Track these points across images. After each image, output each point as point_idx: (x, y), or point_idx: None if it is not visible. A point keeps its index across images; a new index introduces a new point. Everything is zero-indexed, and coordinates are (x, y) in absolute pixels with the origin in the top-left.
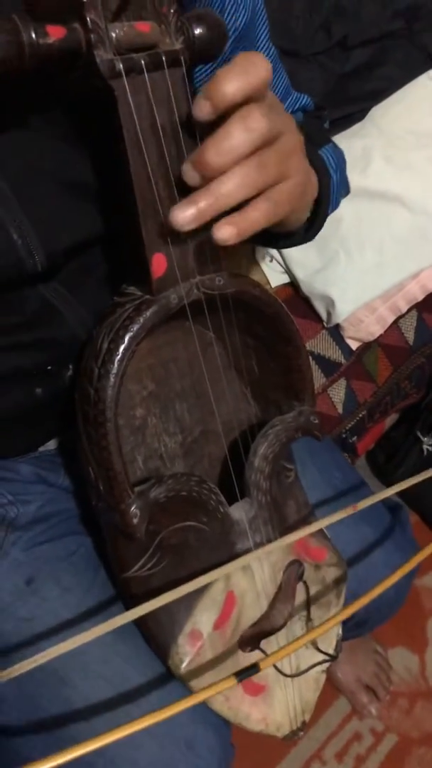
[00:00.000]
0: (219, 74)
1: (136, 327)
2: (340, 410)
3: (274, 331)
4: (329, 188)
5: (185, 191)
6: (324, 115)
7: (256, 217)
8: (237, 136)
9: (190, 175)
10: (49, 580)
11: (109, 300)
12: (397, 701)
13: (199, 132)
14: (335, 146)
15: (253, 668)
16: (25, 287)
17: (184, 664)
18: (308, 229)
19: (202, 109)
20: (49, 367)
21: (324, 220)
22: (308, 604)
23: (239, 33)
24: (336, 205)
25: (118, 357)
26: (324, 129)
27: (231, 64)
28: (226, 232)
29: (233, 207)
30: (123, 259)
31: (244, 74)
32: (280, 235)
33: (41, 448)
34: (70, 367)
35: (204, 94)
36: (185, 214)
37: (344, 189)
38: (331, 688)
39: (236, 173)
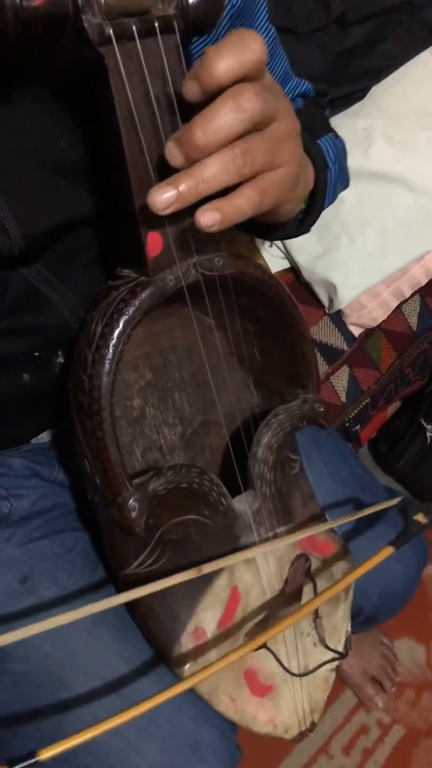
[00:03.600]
0: (208, 52)
1: (131, 310)
2: (343, 398)
3: (277, 316)
4: (326, 180)
5: None
6: (324, 102)
7: (240, 205)
8: (226, 115)
9: (173, 153)
10: (45, 578)
11: (98, 285)
12: (403, 693)
13: (196, 104)
14: (336, 136)
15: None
16: (5, 270)
17: (187, 665)
18: (302, 221)
19: (190, 90)
20: (36, 354)
21: (319, 213)
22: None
23: (237, 10)
24: (333, 199)
25: (113, 341)
26: (325, 117)
27: (222, 42)
28: (209, 218)
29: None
30: (113, 242)
31: (235, 54)
32: (271, 226)
33: (34, 441)
34: (60, 353)
35: (192, 73)
36: (164, 197)
37: (342, 181)
38: (337, 680)
39: (220, 157)
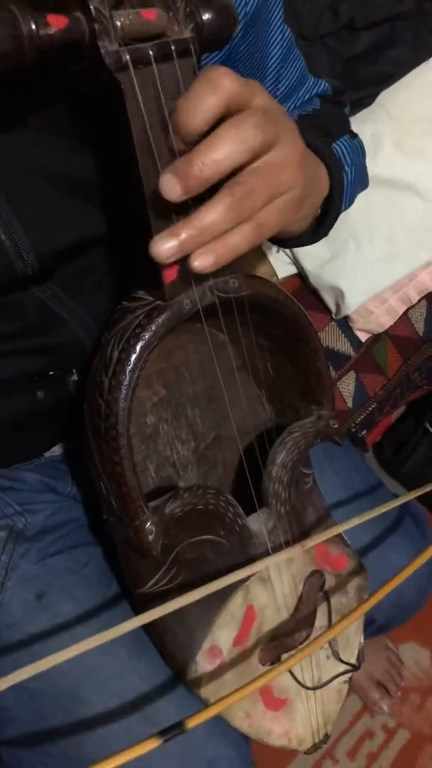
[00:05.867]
0: (177, 105)
1: (147, 335)
2: (350, 404)
3: (291, 333)
4: (342, 186)
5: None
6: (344, 100)
7: (236, 243)
8: (226, 147)
9: (170, 186)
10: (61, 594)
11: (110, 302)
12: (408, 697)
13: (212, 128)
14: (353, 136)
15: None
16: (19, 291)
17: (203, 682)
18: (317, 229)
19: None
20: (51, 372)
21: (335, 219)
22: (330, 615)
23: (249, 17)
24: (350, 202)
25: (130, 367)
26: (343, 115)
27: (189, 91)
28: (204, 261)
29: None
30: (125, 260)
31: (206, 98)
32: (284, 238)
33: (46, 454)
34: (74, 371)
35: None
36: (165, 248)
37: (360, 183)
38: None
39: (220, 203)
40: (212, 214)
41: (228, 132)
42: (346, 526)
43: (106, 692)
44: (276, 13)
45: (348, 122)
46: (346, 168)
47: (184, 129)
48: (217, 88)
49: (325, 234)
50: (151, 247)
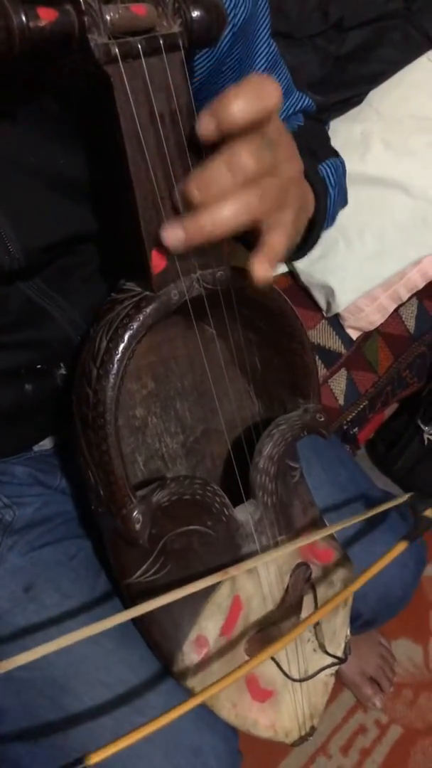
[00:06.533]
0: (229, 93)
1: (135, 325)
2: (341, 401)
3: (278, 327)
4: (326, 207)
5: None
6: (325, 117)
7: (280, 249)
8: (219, 173)
9: (183, 198)
10: (49, 586)
11: (98, 298)
12: (401, 693)
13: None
14: (336, 157)
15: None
16: (5, 285)
17: (189, 672)
18: (301, 247)
19: (205, 127)
20: (38, 366)
21: (318, 238)
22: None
23: (238, 28)
24: (332, 221)
25: (118, 356)
26: (326, 136)
27: (242, 84)
28: (262, 272)
29: None
30: (113, 256)
31: (254, 98)
32: None
33: (36, 448)
34: (62, 365)
35: (210, 110)
36: (175, 236)
37: (341, 203)
38: (336, 681)
39: (235, 200)
40: (227, 210)
41: (222, 160)
42: (336, 528)
43: (94, 683)
44: (263, 26)
45: (329, 139)
46: (331, 190)
47: (225, 116)
48: (272, 93)
49: (306, 253)
50: (162, 233)
